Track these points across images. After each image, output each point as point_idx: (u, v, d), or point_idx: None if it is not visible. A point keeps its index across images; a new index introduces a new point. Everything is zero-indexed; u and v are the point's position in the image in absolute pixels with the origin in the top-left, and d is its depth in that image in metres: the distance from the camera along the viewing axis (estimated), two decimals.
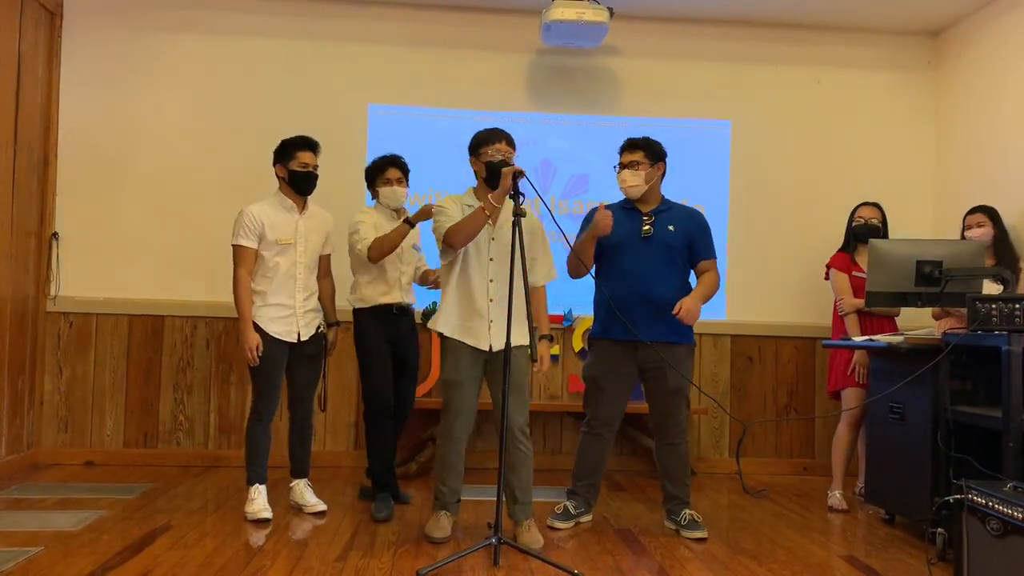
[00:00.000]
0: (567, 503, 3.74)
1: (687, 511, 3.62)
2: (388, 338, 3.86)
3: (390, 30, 5.07)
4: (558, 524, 3.66)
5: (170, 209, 4.91)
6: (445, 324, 3.39)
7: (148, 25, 4.94)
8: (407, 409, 4.03)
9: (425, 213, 3.73)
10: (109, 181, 4.89)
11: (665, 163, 3.72)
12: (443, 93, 5.09)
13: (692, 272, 3.74)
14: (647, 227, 3.64)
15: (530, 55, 5.15)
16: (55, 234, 4.81)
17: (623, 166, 3.69)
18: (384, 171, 3.93)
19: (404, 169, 3.98)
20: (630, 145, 3.71)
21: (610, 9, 4.61)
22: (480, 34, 5.11)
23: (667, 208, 3.72)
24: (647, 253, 3.62)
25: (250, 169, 4.85)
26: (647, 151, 3.67)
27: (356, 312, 3.88)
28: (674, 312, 3.49)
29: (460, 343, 3.36)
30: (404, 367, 3.95)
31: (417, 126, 5.06)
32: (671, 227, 3.66)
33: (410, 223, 3.77)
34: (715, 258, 3.74)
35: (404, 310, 3.92)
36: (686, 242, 3.67)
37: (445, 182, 4.96)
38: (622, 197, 3.77)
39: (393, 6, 5.07)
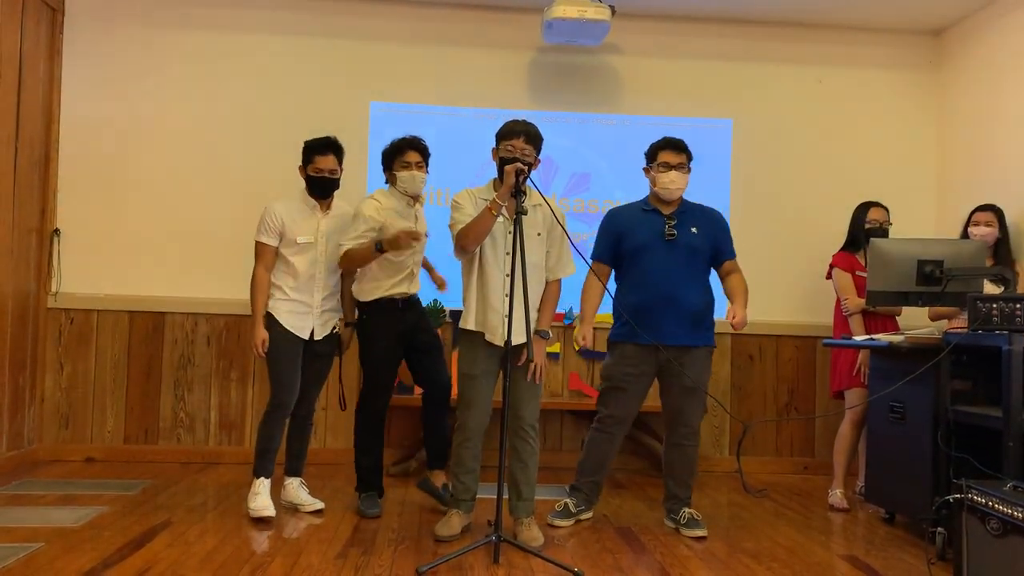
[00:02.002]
0: (568, 500, 3.74)
1: (686, 510, 3.63)
2: (399, 332, 3.70)
3: (392, 27, 5.07)
4: (558, 522, 3.67)
5: (171, 206, 4.91)
6: (465, 318, 3.39)
7: (150, 22, 4.94)
8: (446, 387, 3.78)
9: (396, 242, 3.49)
10: (110, 178, 4.89)
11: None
12: (445, 91, 5.09)
13: (714, 271, 3.77)
14: (671, 230, 3.63)
15: (532, 53, 5.15)
16: (56, 231, 4.82)
17: (670, 166, 3.63)
18: (403, 153, 3.70)
19: (424, 152, 3.76)
20: (676, 146, 3.66)
21: (612, 7, 4.60)
22: (482, 32, 5.11)
23: (688, 209, 3.71)
24: (671, 256, 3.59)
25: (251, 166, 4.87)
26: (688, 155, 3.68)
27: (360, 304, 3.75)
28: (729, 320, 3.55)
29: (477, 337, 3.36)
30: (428, 348, 3.78)
31: (419, 124, 5.03)
32: (694, 229, 3.65)
33: (381, 249, 3.54)
34: (736, 258, 3.77)
35: (408, 302, 3.76)
36: (710, 243, 3.68)
37: (446, 180, 4.97)
38: (622, 196, 3.78)
39: (395, 3, 5.06)
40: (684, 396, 3.62)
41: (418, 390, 4.66)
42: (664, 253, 3.60)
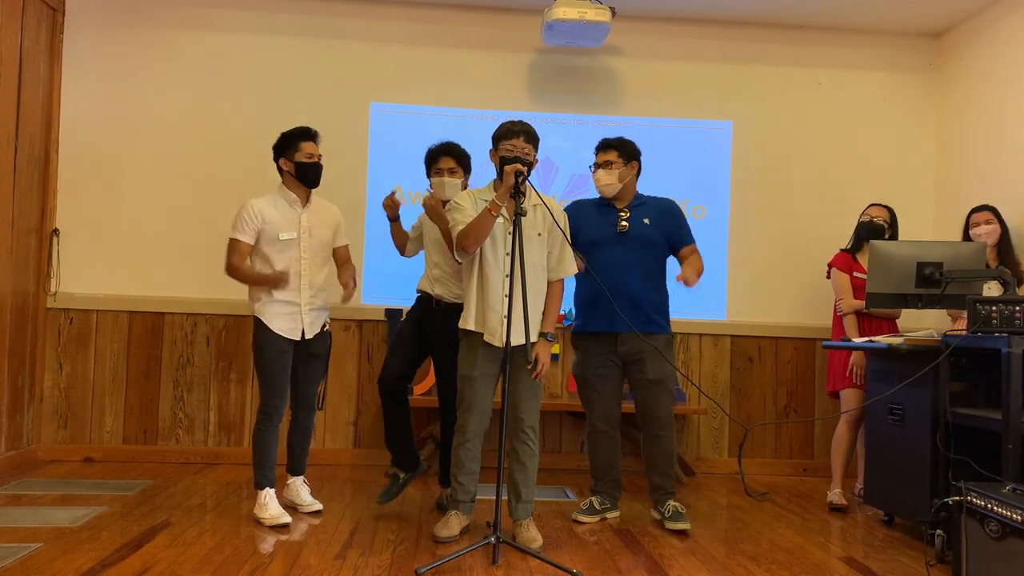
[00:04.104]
0: (592, 498, 3.82)
1: (671, 503, 3.68)
2: (419, 325, 3.77)
3: (392, 28, 5.08)
4: (583, 518, 3.74)
5: (171, 206, 4.91)
6: (465, 319, 3.39)
7: (150, 22, 4.95)
8: (448, 408, 3.77)
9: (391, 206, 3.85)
10: (110, 178, 4.89)
11: (639, 162, 3.81)
12: (445, 92, 5.09)
13: (675, 258, 3.83)
14: (623, 223, 3.71)
15: (532, 54, 5.16)
16: (56, 231, 4.82)
17: (598, 166, 3.77)
18: (436, 160, 3.77)
19: (460, 158, 3.77)
20: (604, 145, 3.80)
21: (612, 9, 4.60)
22: (482, 33, 5.12)
23: (641, 202, 3.80)
24: (624, 248, 3.69)
25: (251, 167, 4.87)
26: (620, 150, 3.75)
27: None
28: (677, 278, 3.61)
29: (477, 338, 3.35)
30: (441, 369, 3.77)
31: (419, 125, 5.06)
32: (646, 220, 3.74)
33: (390, 218, 3.88)
34: (694, 243, 3.81)
35: (444, 307, 3.72)
36: (663, 234, 3.75)
37: None
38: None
39: (395, 5, 5.07)
40: (647, 389, 3.69)
41: (418, 391, 4.70)
42: (616, 246, 3.69)
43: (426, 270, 3.84)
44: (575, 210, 3.84)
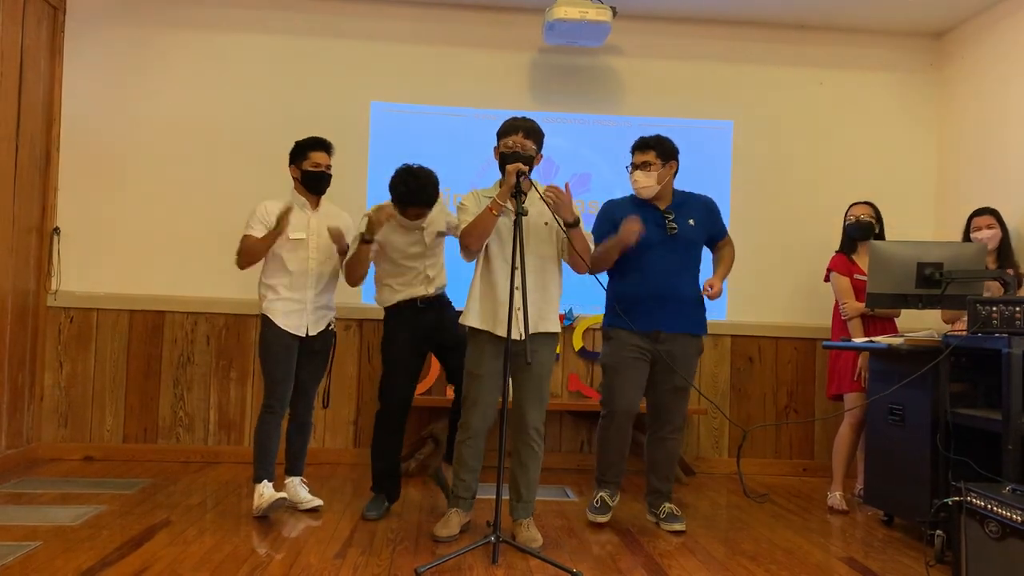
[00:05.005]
0: (602, 494, 3.75)
1: (667, 504, 3.70)
2: (417, 330, 3.70)
3: (393, 27, 5.08)
4: (601, 518, 3.71)
5: (171, 205, 4.91)
6: (471, 315, 3.36)
7: (151, 20, 4.95)
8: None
9: (371, 225, 3.54)
10: (111, 176, 4.89)
11: (677, 161, 3.72)
12: (446, 91, 5.09)
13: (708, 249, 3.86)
14: (672, 225, 3.65)
15: (533, 54, 5.15)
16: (56, 229, 4.82)
17: (635, 167, 3.68)
18: (404, 210, 3.61)
19: (430, 201, 3.60)
20: (642, 145, 3.70)
21: (613, 8, 4.60)
22: (483, 32, 5.12)
23: (683, 201, 3.74)
24: (672, 251, 3.65)
25: (252, 165, 4.88)
26: (659, 150, 3.66)
27: (385, 310, 3.78)
28: (704, 289, 3.62)
29: (483, 335, 3.34)
30: (453, 345, 3.69)
31: (419, 124, 5.06)
32: (691, 221, 3.70)
33: (366, 240, 3.59)
34: (728, 233, 3.87)
35: (430, 301, 3.73)
36: (706, 233, 3.76)
37: (447, 181, 4.90)
38: (628, 193, 3.78)
39: (396, 4, 5.07)
40: (673, 394, 3.68)
41: (420, 389, 4.69)
42: (664, 247, 3.65)
43: (396, 279, 3.72)
44: (610, 210, 3.75)
